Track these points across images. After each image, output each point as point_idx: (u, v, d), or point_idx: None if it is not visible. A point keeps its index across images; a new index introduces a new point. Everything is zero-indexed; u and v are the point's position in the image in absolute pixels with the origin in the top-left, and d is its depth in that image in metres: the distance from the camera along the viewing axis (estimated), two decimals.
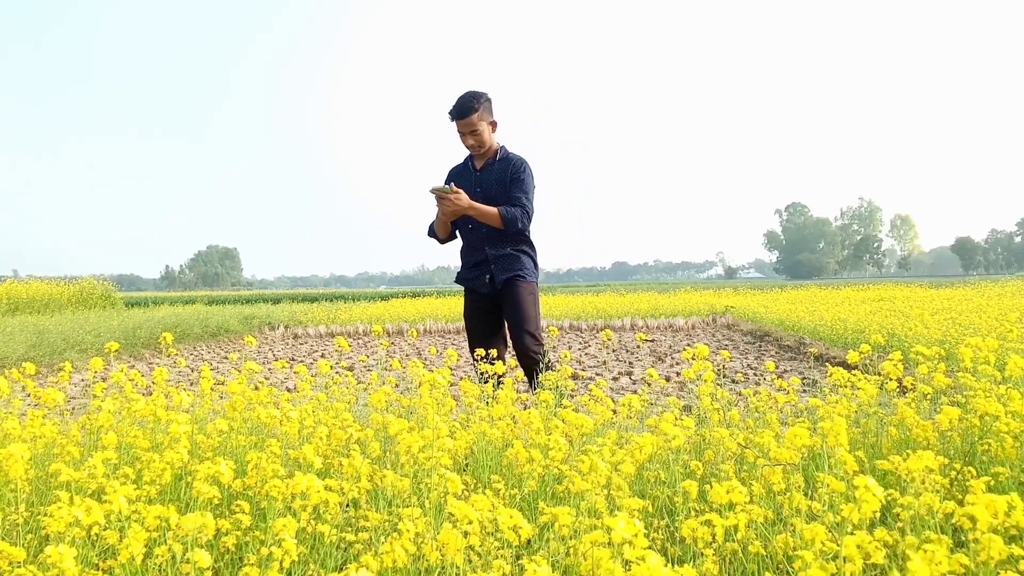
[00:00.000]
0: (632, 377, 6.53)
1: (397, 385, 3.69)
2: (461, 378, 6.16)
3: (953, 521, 1.23)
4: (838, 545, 1.15)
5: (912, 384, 2.52)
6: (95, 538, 1.35)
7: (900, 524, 1.42)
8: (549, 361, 3.23)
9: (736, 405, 2.83)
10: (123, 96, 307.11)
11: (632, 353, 8.73)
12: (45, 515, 1.46)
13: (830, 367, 2.71)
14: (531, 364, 3.30)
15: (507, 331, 3.51)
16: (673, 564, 1.64)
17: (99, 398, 2.40)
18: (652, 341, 10.47)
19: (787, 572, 1.47)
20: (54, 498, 1.59)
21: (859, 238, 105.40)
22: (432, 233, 3.68)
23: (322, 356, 9.38)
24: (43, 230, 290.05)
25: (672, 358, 8.07)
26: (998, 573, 1.13)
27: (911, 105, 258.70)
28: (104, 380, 2.64)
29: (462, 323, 4.19)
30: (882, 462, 1.84)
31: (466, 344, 3.68)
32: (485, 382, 2.82)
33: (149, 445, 2.08)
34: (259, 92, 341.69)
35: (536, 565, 1.01)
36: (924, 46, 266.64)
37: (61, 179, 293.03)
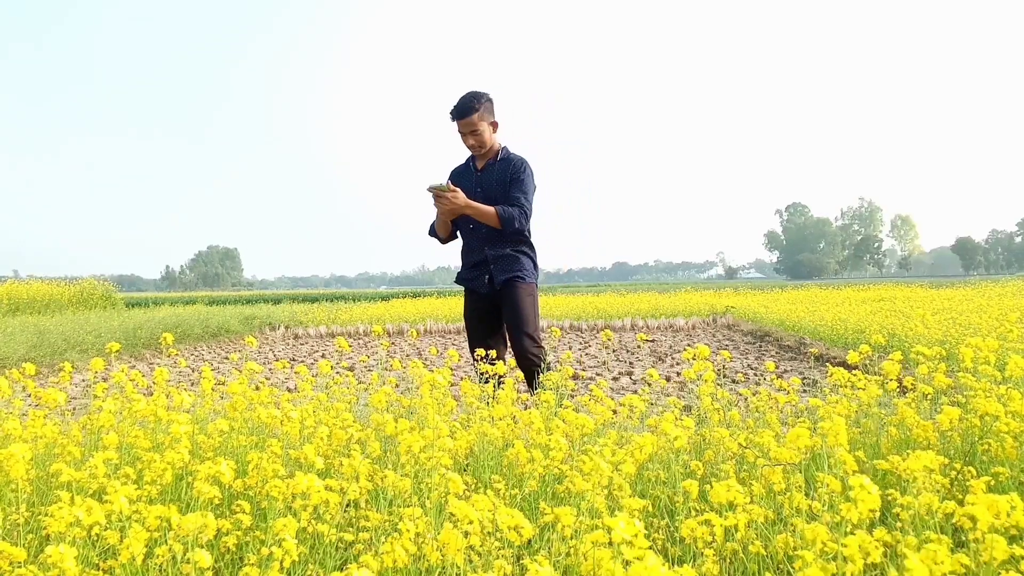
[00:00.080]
0: (632, 377, 6.53)
1: (397, 385, 3.69)
2: (461, 378, 6.16)
3: (954, 521, 1.23)
4: (838, 545, 1.15)
5: (912, 384, 2.52)
6: (96, 538, 1.35)
7: (900, 524, 1.42)
8: (548, 363, 3.23)
9: (736, 405, 2.84)
10: (123, 96, 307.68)
11: (632, 353, 8.73)
12: (46, 515, 1.46)
13: (830, 367, 2.71)
14: (530, 366, 3.30)
15: (506, 333, 3.51)
16: (673, 564, 1.64)
17: (100, 398, 2.40)
18: (652, 341, 10.47)
19: (787, 572, 1.47)
20: (55, 498, 1.59)
21: (859, 238, 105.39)
22: (433, 233, 3.68)
23: (323, 356, 9.39)
24: (43, 230, 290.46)
25: (672, 358, 8.07)
26: (999, 573, 1.13)
27: (911, 105, 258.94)
28: (105, 380, 2.65)
29: (462, 323, 4.19)
30: (881, 462, 1.84)
31: (466, 344, 3.69)
32: (485, 382, 2.82)
33: (150, 445, 2.08)
34: (259, 92, 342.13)
35: (538, 565, 1.01)
36: (924, 46, 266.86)
37: (61, 179, 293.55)
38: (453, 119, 3.40)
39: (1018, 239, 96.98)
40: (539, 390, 2.77)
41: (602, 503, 1.50)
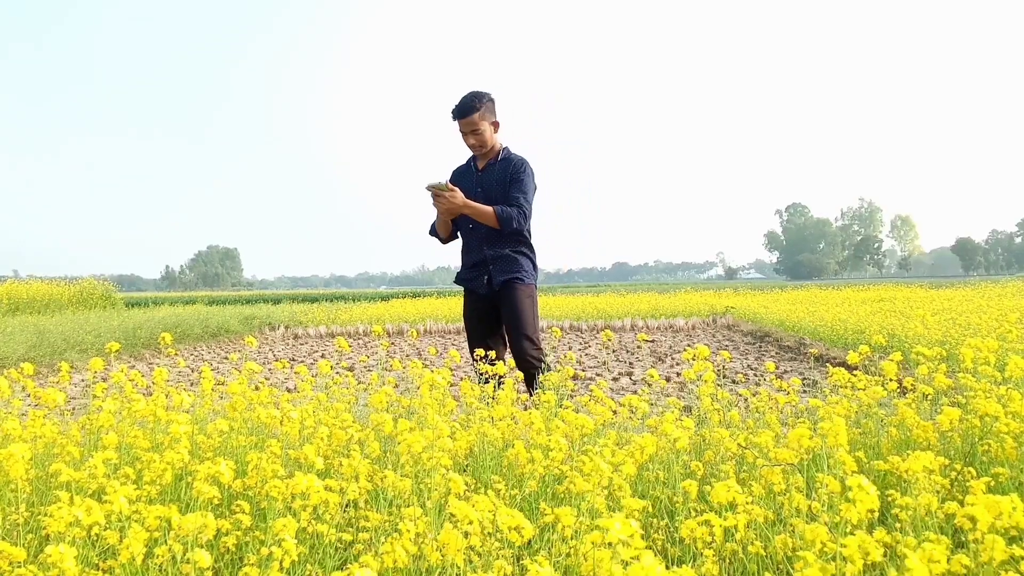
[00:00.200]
0: (632, 377, 6.53)
1: (397, 385, 3.69)
2: (461, 378, 6.16)
3: (955, 522, 1.23)
4: (837, 545, 1.15)
5: (912, 384, 2.52)
6: (95, 538, 1.35)
7: (900, 525, 1.42)
8: (547, 365, 3.22)
9: (736, 406, 2.83)
10: (123, 96, 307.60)
11: (632, 353, 8.73)
12: (45, 515, 1.46)
13: (830, 368, 2.71)
14: (530, 369, 3.29)
15: (505, 334, 3.51)
16: (673, 564, 1.64)
17: (99, 398, 2.40)
18: (652, 342, 10.47)
19: (787, 572, 1.47)
20: (54, 498, 1.59)
21: (859, 239, 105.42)
22: (434, 232, 3.67)
23: (322, 356, 9.39)
24: (43, 230, 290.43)
25: (672, 358, 8.07)
26: (999, 574, 1.13)
27: (911, 105, 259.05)
28: (104, 380, 2.64)
29: (462, 323, 4.19)
30: (881, 462, 1.84)
31: (466, 344, 3.68)
32: (485, 382, 2.81)
33: (149, 445, 2.08)
34: (259, 92, 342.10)
35: (538, 566, 1.01)
36: (924, 46, 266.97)
37: (61, 179, 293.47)
38: (454, 118, 3.40)
39: (1018, 239, 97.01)
40: (538, 390, 2.76)
41: (602, 503, 1.49)
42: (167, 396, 2.47)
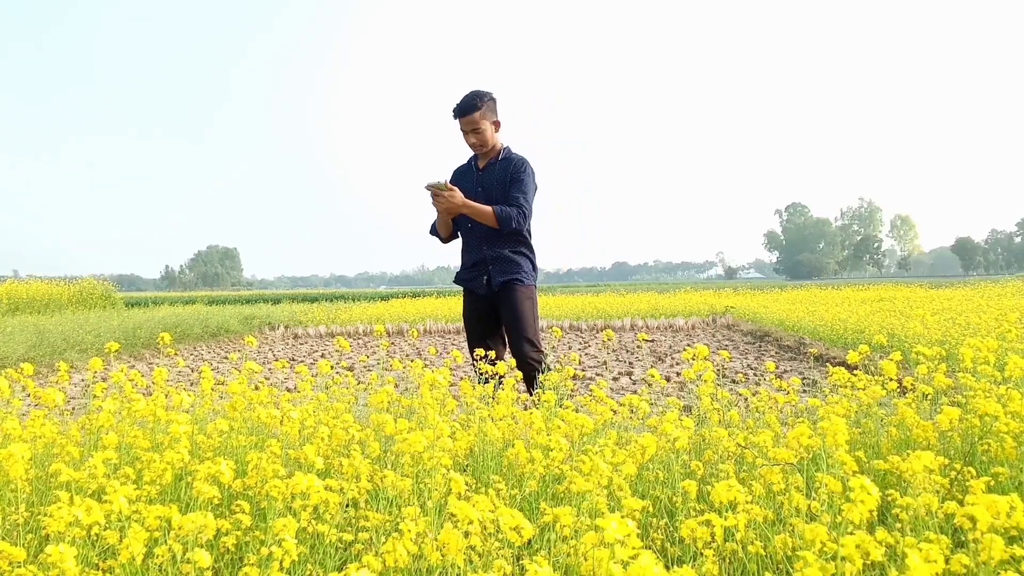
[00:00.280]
0: (632, 377, 6.53)
1: (397, 385, 3.69)
2: (461, 378, 6.16)
3: (954, 522, 1.23)
4: (837, 545, 1.15)
5: (912, 384, 2.52)
6: (95, 538, 1.35)
7: (900, 524, 1.42)
8: (547, 365, 3.22)
9: (736, 405, 2.83)
10: (123, 96, 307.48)
11: (632, 353, 8.73)
12: (45, 515, 1.46)
13: (830, 367, 2.71)
14: (530, 371, 3.28)
15: (505, 336, 3.50)
16: (673, 564, 1.64)
17: (99, 398, 2.40)
18: (652, 341, 10.47)
19: (787, 572, 1.47)
20: (54, 498, 1.59)
21: (859, 238, 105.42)
22: (434, 231, 3.67)
23: (322, 356, 9.38)
24: (43, 230, 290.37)
25: (672, 358, 8.07)
26: (998, 573, 1.13)
27: (911, 105, 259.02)
28: (104, 380, 2.64)
29: (462, 323, 4.18)
30: (881, 462, 1.84)
31: (467, 344, 3.68)
32: (485, 382, 2.81)
33: (149, 445, 2.08)
34: (259, 92, 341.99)
35: (537, 566, 1.01)
36: (924, 46, 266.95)
37: (61, 179, 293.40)
38: (455, 117, 3.39)
39: (1018, 239, 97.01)
40: (538, 390, 2.76)
41: (603, 503, 1.50)
42: (167, 396, 2.47)
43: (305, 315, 15.45)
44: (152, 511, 1.36)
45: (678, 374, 6.49)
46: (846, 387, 2.55)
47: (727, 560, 1.57)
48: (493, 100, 3.41)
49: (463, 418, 2.48)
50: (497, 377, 2.80)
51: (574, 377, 2.83)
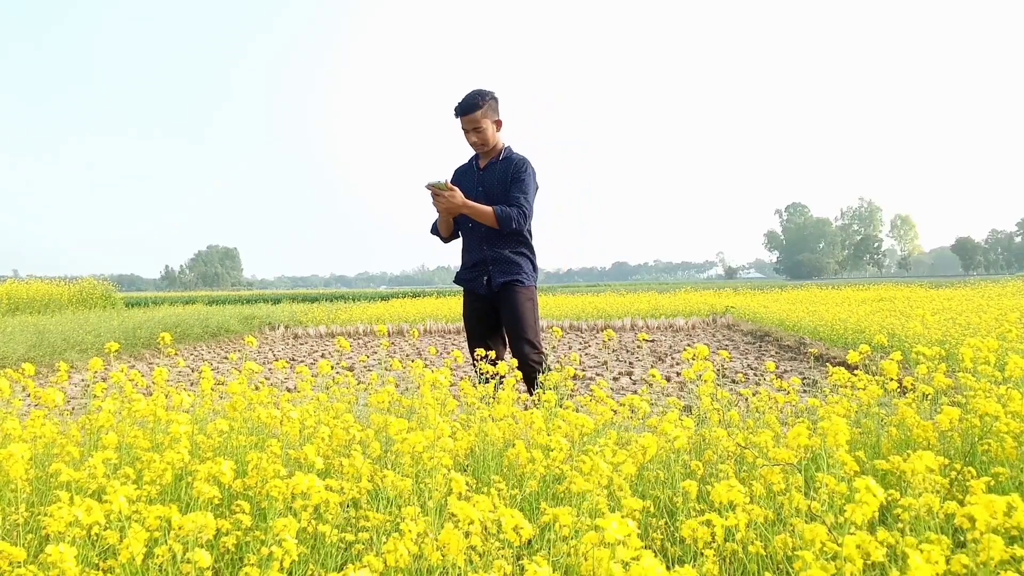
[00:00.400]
0: (632, 377, 6.53)
1: (397, 385, 3.69)
2: (461, 378, 6.16)
3: (955, 522, 1.23)
4: (838, 545, 1.15)
5: (912, 384, 2.52)
6: (95, 538, 1.35)
7: (900, 524, 1.42)
8: (547, 366, 3.22)
9: (736, 405, 2.84)
10: (123, 96, 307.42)
11: (632, 353, 8.73)
12: (45, 515, 1.46)
13: (831, 367, 2.71)
14: (531, 373, 3.28)
15: (505, 336, 3.50)
16: (673, 564, 1.64)
17: (99, 398, 2.40)
18: (652, 341, 10.47)
19: (787, 572, 1.47)
20: (54, 498, 1.59)
21: (859, 238, 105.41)
22: (435, 231, 3.67)
23: (322, 356, 9.39)
24: (43, 230, 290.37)
25: (672, 358, 8.07)
26: (998, 573, 1.13)
27: (911, 105, 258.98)
28: (104, 380, 2.64)
29: (462, 323, 4.18)
30: (882, 462, 1.84)
31: (467, 344, 3.68)
32: (486, 382, 2.81)
33: (149, 445, 2.08)
34: (259, 92, 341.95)
35: (537, 565, 1.01)
36: (924, 46, 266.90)
37: (61, 179, 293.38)
38: (456, 115, 3.39)
39: (1018, 239, 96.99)
40: (539, 390, 2.76)
41: (603, 503, 1.49)
42: (167, 396, 2.47)
43: (305, 315, 15.45)
44: (152, 511, 1.36)
45: (678, 374, 6.49)
46: (846, 387, 2.55)
47: (727, 560, 1.57)
48: (495, 99, 3.41)
49: (463, 418, 2.48)
50: (498, 377, 2.80)
51: (574, 377, 2.83)
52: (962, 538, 1.29)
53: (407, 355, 9.25)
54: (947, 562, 1.10)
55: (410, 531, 1.27)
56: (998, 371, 2.36)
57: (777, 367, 6.95)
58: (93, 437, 2.23)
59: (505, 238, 3.45)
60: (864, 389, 2.44)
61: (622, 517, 1.05)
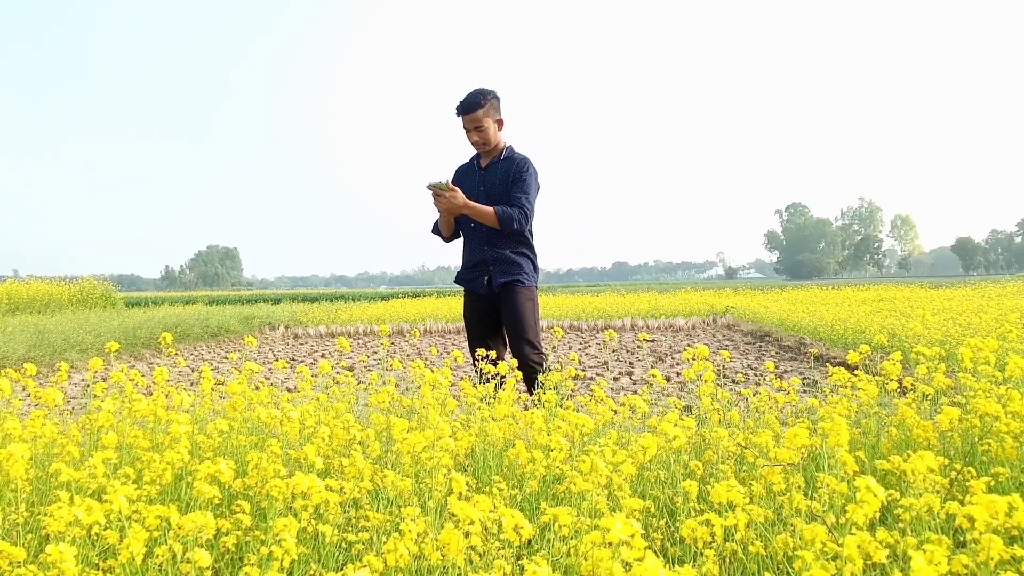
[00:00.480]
0: (632, 377, 6.53)
1: (398, 385, 3.69)
2: (461, 378, 6.16)
3: (956, 522, 1.23)
4: (838, 545, 1.15)
5: (912, 384, 2.52)
6: (95, 538, 1.35)
7: (901, 525, 1.42)
8: (547, 366, 3.22)
9: (736, 405, 2.83)
10: (123, 96, 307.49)
11: (632, 353, 8.73)
12: (45, 515, 1.46)
13: (831, 367, 2.71)
14: (531, 373, 3.28)
15: (506, 337, 3.50)
16: (673, 564, 1.64)
17: (99, 398, 2.40)
18: (652, 341, 10.47)
19: (787, 572, 1.47)
20: (54, 498, 1.59)
21: (859, 238, 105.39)
22: (437, 231, 3.66)
23: (323, 356, 9.39)
24: (43, 230, 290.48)
25: (672, 358, 8.07)
26: (998, 574, 1.13)
27: (911, 105, 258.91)
28: (104, 380, 2.64)
29: (463, 323, 4.18)
30: (882, 462, 1.84)
31: (467, 344, 3.68)
32: (486, 382, 2.81)
33: (149, 445, 2.07)
34: (259, 92, 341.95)
35: (536, 565, 1.01)
36: (924, 46, 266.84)
37: (61, 179, 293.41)
38: (458, 114, 3.38)
39: (1018, 239, 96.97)
40: (539, 390, 2.76)
41: (603, 503, 1.49)
42: (167, 396, 2.47)
43: (305, 315, 15.45)
44: (152, 511, 1.36)
45: (678, 374, 6.49)
46: (846, 387, 2.55)
47: (727, 560, 1.57)
48: (497, 98, 3.40)
49: (464, 418, 2.48)
50: (498, 377, 2.80)
51: (575, 377, 2.83)
52: (962, 538, 1.29)
53: (407, 355, 9.25)
54: (948, 562, 1.10)
55: (410, 531, 1.27)
56: (998, 371, 2.36)
57: (777, 367, 6.95)
58: (93, 437, 2.23)
59: (506, 238, 3.45)
60: (864, 390, 2.44)
61: (625, 518, 1.05)
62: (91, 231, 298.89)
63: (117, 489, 1.36)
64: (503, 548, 1.44)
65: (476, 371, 2.99)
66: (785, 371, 6.73)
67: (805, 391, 5.11)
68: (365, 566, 1.21)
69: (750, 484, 1.74)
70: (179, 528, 1.29)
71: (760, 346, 9.49)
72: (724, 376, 5.78)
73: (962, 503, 1.40)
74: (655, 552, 1.69)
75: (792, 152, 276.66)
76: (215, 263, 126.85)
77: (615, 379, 6.36)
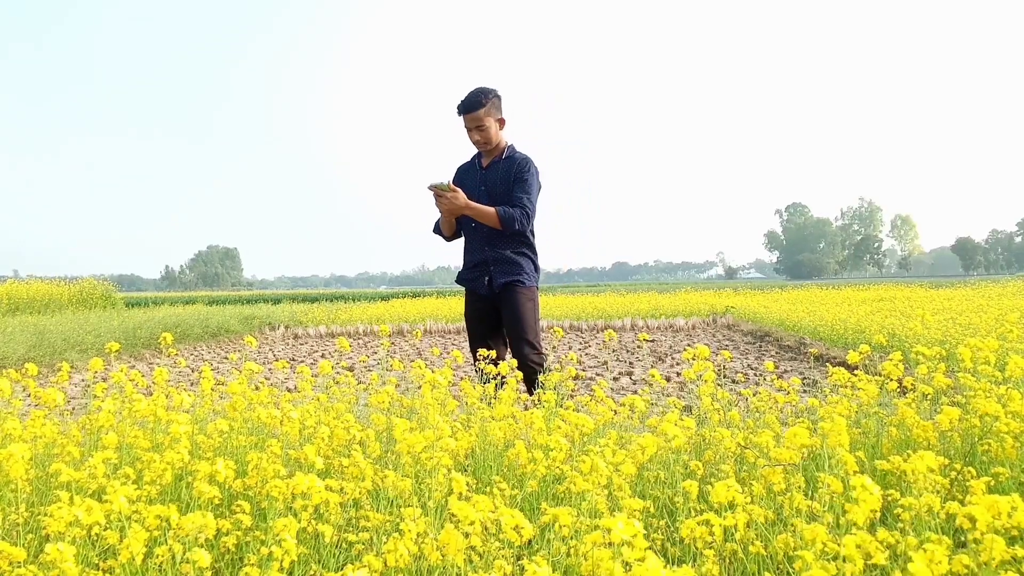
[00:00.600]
0: (632, 377, 6.53)
1: (398, 385, 3.69)
2: (462, 378, 6.16)
3: (956, 522, 1.23)
4: (838, 545, 1.15)
5: (912, 384, 2.52)
6: (95, 538, 1.35)
7: (901, 524, 1.42)
8: (547, 367, 3.22)
9: (736, 405, 2.83)
10: (123, 96, 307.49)
11: (632, 353, 8.73)
12: (45, 515, 1.46)
13: (831, 367, 2.71)
14: (531, 374, 3.28)
15: (506, 337, 3.50)
16: (673, 564, 1.64)
17: (99, 398, 2.40)
18: (652, 341, 10.47)
19: (787, 572, 1.47)
20: (54, 498, 1.59)
21: (859, 238, 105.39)
22: (438, 231, 3.66)
23: (323, 356, 9.38)
24: (43, 230, 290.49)
25: (672, 358, 8.07)
26: (999, 574, 1.13)
27: (911, 105, 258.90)
28: (104, 380, 2.64)
29: (463, 323, 4.18)
30: (882, 462, 1.84)
31: (467, 345, 3.68)
32: (486, 383, 2.81)
33: (149, 445, 2.07)
34: (259, 92, 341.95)
35: (536, 565, 1.01)
36: (924, 46, 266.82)
37: (61, 179, 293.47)
38: (459, 113, 3.38)
39: (1018, 239, 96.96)
40: (539, 390, 2.76)
41: (602, 503, 1.49)
42: (167, 396, 2.47)
43: (305, 315, 15.45)
44: (152, 511, 1.36)
45: (678, 374, 6.49)
46: (846, 387, 2.55)
47: (727, 560, 1.57)
48: (498, 97, 3.40)
49: (464, 418, 2.48)
50: (499, 377, 2.80)
51: (575, 377, 2.83)
52: (963, 538, 1.29)
53: (408, 355, 9.25)
54: (948, 562, 1.10)
55: (410, 531, 1.27)
56: (998, 371, 2.36)
57: (777, 367, 6.95)
58: (93, 437, 2.23)
59: (507, 238, 3.45)
60: (864, 390, 2.44)
61: (627, 518, 1.05)
62: (91, 231, 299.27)
63: (117, 489, 1.36)
64: (503, 548, 1.44)
65: (477, 371, 2.99)
66: (785, 371, 6.73)
67: (805, 391, 5.11)
68: (365, 566, 1.21)
69: (750, 484, 1.74)
70: (179, 528, 1.29)
71: (760, 346, 9.49)
72: (724, 376, 5.77)
73: (962, 503, 1.40)
74: (655, 552, 1.69)
75: (792, 152, 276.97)
76: (215, 263, 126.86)
77: (615, 379, 6.36)
